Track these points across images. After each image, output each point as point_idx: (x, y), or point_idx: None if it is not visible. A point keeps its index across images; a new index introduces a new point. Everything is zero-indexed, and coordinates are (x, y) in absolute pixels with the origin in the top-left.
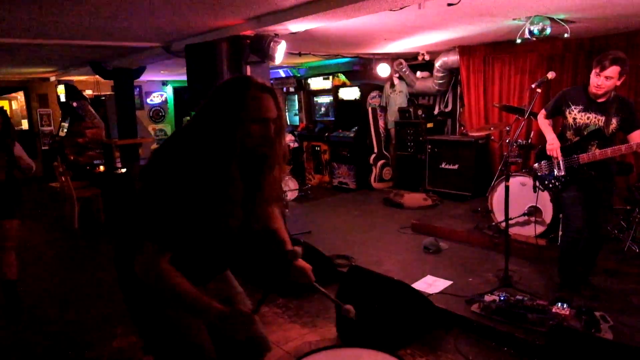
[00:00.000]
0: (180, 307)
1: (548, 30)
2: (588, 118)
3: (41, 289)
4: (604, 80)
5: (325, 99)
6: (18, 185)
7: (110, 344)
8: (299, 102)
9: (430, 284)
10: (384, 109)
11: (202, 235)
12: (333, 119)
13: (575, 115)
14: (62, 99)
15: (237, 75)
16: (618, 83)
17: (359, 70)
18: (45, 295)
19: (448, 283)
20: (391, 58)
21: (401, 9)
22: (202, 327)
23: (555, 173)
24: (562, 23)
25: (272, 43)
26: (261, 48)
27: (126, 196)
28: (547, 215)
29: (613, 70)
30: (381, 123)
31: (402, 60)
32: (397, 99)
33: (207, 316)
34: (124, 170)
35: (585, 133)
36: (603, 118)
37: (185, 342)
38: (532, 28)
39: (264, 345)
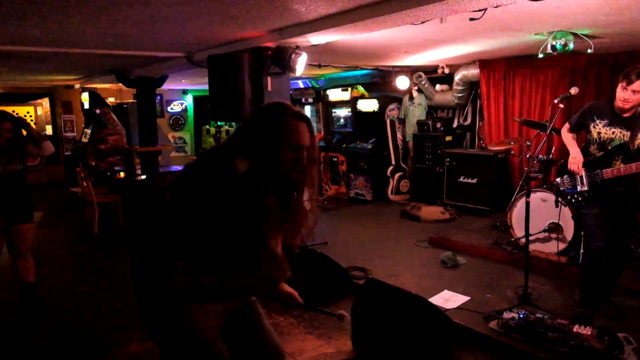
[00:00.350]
0: (223, 297)
1: (571, 46)
2: (613, 133)
3: (60, 292)
4: (630, 94)
5: (343, 110)
6: (29, 190)
7: (126, 348)
8: (317, 113)
9: (447, 299)
10: (402, 122)
11: (233, 255)
12: (351, 130)
13: (600, 129)
14: (86, 106)
15: (275, 102)
16: None
17: (378, 82)
18: (63, 299)
19: (466, 298)
20: (410, 71)
21: (423, 22)
22: (220, 339)
23: (578, 188)
24: (586, 38)
25: (293, 55)
26: (282, 59)
27: (146, 203)
28: (569, 232)
29: None
30: (399, 135)
31: (422, 73)
32: (416, 111)
33: (255, 287)
34: (143, 177)
35: (610, 148)
36: (628, 133)
37: (204, 353)
38: (554, 43)
39: (280, 355)
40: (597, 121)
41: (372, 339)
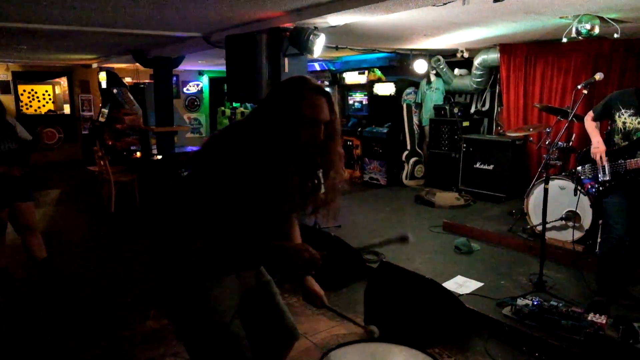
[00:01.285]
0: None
1: (597, 30)
2: (639, 122)
3: (78, 270)
4: None
5: (359, 94)
6: (30, 169)
7: (143, 325)
8: (333, 96)
9: (461, 285)
10: (419, 106)
11: (255, 226)
12: (366, 114)
13: (625, 119)
14: (103, 85)
15: (296, 76)
16: None
17: (395, 65)
18: (81, 276)
19: (479, 284)
20: (429, 54)
21: (445, 4)
22: (237, 318)
23: (600, 178)
24: (613, 23)
25: (311, 36)
26: (300, 41)
27: (162, 183)
28: (586, 221)
29: None
30: (415, 120)
31: (440, 57)
32: (433, 96)
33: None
34: (159, 157)
35: (635, 138)
36: None
37: (220, 331)
38: (579, 27)
39: (293, 333)
40: (623, 110)
41: (385, 321)
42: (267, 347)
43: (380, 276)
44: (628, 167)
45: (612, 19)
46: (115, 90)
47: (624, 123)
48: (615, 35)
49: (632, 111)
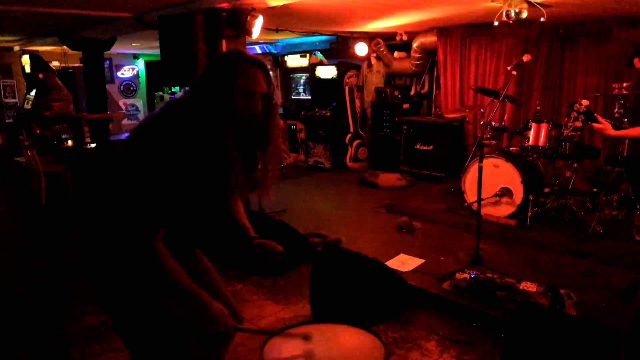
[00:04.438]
0: (166, 290)
1: (525, 13)
2: None
3: (7, 267)
4: None
5: (301, 77)
6: None
7: (80, 321)
8: (275, 79)
9: (403, 262)
10: (361, 89)
11: (194, 209)
12: (309, 97)
13: None
14: (27, 69)
15: (230, 50)
16: None
17: (337, 48)
18: (11, 273)
19: (420, 261)
20: (369, 37)
21: None
22: (175, 304)
23: None
24: (539, 6)
25: (249, 17)
26: (237, 22)
27: (97, 172)
28: (518, 196)
29: None
30: (357, 103)
31: (380, 40)
32: (374, 78)
33: (191, 305)
34: (93, 145)
35: None
36: None
37: (161, 315)
38: (509, 11)
39: (235, 318)
40: None
41: (331, 303)
42: (210, 336)
43: (325, 258)
44: None
45: (539, 4)
46: (41, 75)
47: None
48: (542, 19)
49: None
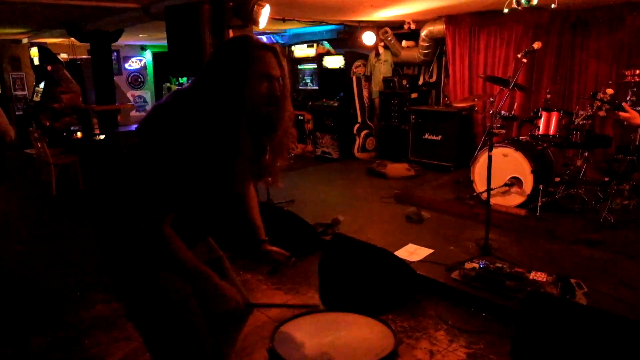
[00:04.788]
0: (176, 272)
1: (535, 0)
2: None
3: (20, 257)
4: None
5: (309, 67)
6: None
7: (91, 310)
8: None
9: (412, 252)
10: (369, 79)
11: (205, 196)
12: (317, 87)
13: None
14: (36, 62)
15: (238, 35)
16: None
17: (344, 38)
18: (24, 263)
19: (429, 251)
20: (377, 26)
21: None
22: (190, 295)
23: None
24: None
25: (255, 6)
26: (244, 11)
27: (106, 163)
28: (528, 186)
29: None
30: (365, 93)
31: (388, 29)
32: (382, 68)
33: (202, 285)
34: (102, 137)
35: None
36: None
37: (175, 304)
38: None
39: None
40: None
41: (339, 292)
42: (221, 323)
43: (334, 248)
44: None
45: None
46: (49, 68)
47: None
48: (553, 6)
49: None
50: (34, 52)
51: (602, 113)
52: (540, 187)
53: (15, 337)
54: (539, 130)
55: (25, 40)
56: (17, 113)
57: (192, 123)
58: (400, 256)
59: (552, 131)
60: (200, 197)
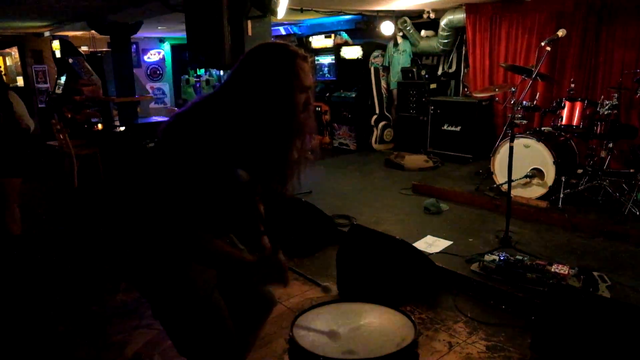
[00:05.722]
0: (215, 263)
1: None
2: None
3: (43, 247)
4: None
5: (326, 58)
6: (20, 143)
7: (113, 298)
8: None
9: (431, 244)
10: (387, 69)
11: (239, 196)
12: (334, 78)
13: None
14: (58, 55)
15: (276, 43)
16: None
17: (362, 28)
18: (46, 253)
19: (448, 243)
20: (395, 16)
21: None
22: (216, 291)
23: None
24: None
25: None
26: (263, 1)
27: (127, 155)
28: (550, 177)
29: None
30: (383, 83)
31: (407, 18)
32: (401, 58)
33: (243, 266)
34: (122, 128)
35: None
36: None
37: (201, 301)
38: None
39: (271, 300)
40: None
41: (357, 283)
42: (246, 316)
43: (352, 239)
44: None
45: None
46: (70, 60)
47: None
48: None
49: None
50: (56, 45)
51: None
52: (563, 178)
53: (43, 325)
54: (562, 120)
55: (47, 34)
56: (39, 105)
57: (230, 133)
58: (418, 248)
59: (575, 121)
60: (230, 198)
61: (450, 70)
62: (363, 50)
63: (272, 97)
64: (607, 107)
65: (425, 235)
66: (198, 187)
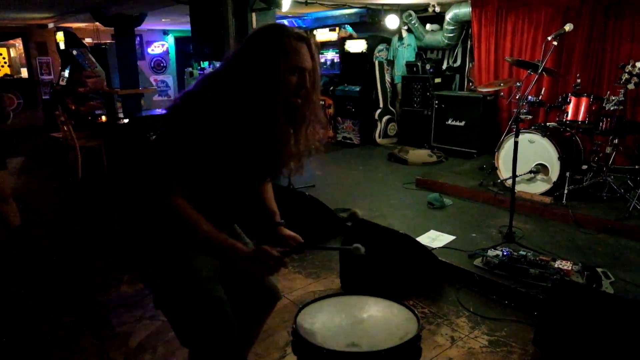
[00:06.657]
0: (201, 248)
1: None
2: None
3: (48, 239)
4: None
5: (330, 52)
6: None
7: (117, 290)
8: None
9: (434, 239)
10: (391, 63)
11: (234, 182)
12: (338, 72)
13: None
14: (62, 46)
15: (273, 23)
16: None
17: (367, 21)
18: (51, 244)
19: (451, 238)
20: (400, 9)
21: None
22: (217, 281)
23: None
24: None
25: None
26: None
27: (131, 147)
28: (554, 173)
29: None
30: (388, 77)
31: (412, 12)
32: (405, 52)
33: (233, 256)
34: (126, 120)
35: None
36: None
37: (203, 294)
38: None
39: (275, 293)
40: None
41: (360, 277)
42: (250, 310)
43: (355, 233)
44: None
45: None
46: (74, 52)
47: None
48: None
49: None
50: (60, 36)
51: (631, 87)
52: (567, 174)
53: (48, 316)
54: (567, 116)
55: (51, 25)
56: (43, 97)
57: (226, 114)
58: (422, 242)
59: (581, 117)
60: (224, 182)
61: (455, 65)
62: (367, 43)
63: (257, 73)
64: (613, 102)
65: (429, 230)
66: (188, 154)
